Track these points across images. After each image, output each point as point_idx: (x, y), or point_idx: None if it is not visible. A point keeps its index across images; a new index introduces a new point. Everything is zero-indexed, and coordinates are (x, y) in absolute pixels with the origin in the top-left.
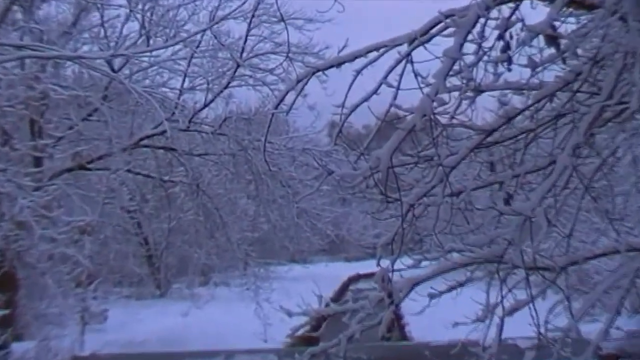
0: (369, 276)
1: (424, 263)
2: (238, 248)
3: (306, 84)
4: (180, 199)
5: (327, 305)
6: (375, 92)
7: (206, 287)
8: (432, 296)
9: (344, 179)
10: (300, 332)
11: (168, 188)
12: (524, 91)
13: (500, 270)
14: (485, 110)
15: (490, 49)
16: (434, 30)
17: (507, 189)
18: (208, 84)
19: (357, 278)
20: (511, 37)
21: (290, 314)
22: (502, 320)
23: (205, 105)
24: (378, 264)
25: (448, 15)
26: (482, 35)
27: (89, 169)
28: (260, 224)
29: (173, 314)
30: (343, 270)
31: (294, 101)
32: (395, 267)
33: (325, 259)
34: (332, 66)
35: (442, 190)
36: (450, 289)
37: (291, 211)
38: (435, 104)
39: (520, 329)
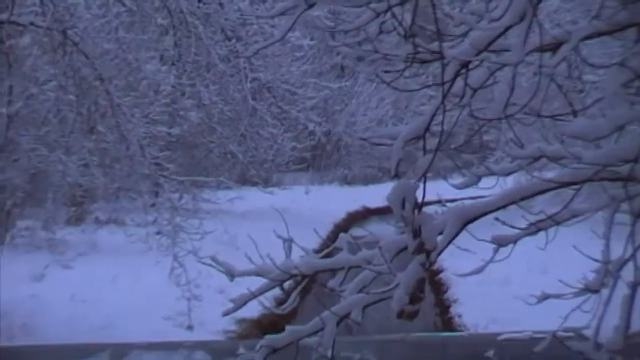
0: (384, 212)
1: (485, 181)
2: (142, 155)
3: None
4: (32, 57)
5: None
6: None
7: (81, 229)
8: (500, 243)
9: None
10: (255, 313)
11: (8, 37)
12: None
13: (634, 195)
14: None
15: None
16: None
17: None
18: None
19: (363, 215)
20: None
21: (232, 275)
22: (633, 290)
23: None
24: (395, 175)
25: None
26: None
27: None
28: (184, 110)
29: (16, 279)
30: (337, 200)
31: None
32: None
33: (305, 180)
34: None
35: (524, 36)
36: (534, 229)
37: (242, 86)
38: None
39: None
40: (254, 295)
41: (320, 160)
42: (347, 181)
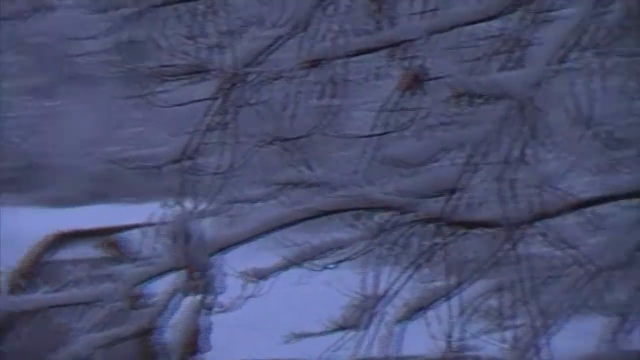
0: (88, 235)
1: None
2: None
3: None
4: None
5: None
6: None
7: None
8: (259, 276)
9: None
10: None
11: None
12: None
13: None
14: None
15: None
16: None
17: None
18: None
19: (64, 239)
20: None
21: None
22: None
23: None
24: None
25: None
26: None
27: None
28: None
29: None
30: (38, 223)
31: None
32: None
33: (11, 200)
34: None
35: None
36: (298, 260)
37: None
38: None
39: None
40: None
41: (22, 181)
42: (49, 203)
